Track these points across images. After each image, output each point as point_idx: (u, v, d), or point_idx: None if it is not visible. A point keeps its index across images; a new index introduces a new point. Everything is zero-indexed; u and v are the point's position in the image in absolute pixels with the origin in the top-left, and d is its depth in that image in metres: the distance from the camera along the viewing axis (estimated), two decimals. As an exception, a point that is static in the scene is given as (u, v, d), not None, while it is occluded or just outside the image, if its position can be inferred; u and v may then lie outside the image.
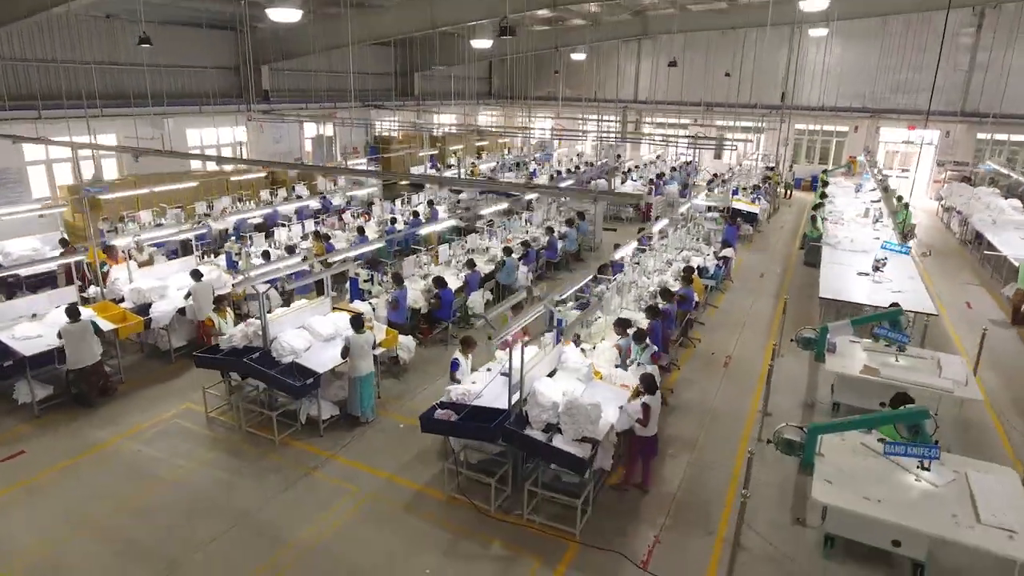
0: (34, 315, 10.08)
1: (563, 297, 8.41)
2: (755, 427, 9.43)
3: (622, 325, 9.26)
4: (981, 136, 27.39)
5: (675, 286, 11.97)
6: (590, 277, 9.31)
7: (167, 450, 8.67)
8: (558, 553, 6.91)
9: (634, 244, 11.14)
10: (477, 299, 12.66)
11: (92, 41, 17.60)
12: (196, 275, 11.04)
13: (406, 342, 10.71)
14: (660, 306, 10.38)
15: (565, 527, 7.19)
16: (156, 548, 6.89)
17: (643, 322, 9.84)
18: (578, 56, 29.33)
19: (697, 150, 29.56)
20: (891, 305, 10.32)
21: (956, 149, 27.60)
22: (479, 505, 7.56)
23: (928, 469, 6.61)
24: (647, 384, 7.62)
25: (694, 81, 30.37)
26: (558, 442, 7.12)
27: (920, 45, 26.66)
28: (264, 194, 18.41)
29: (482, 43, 20.81)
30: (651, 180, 23.59)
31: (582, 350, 9.16)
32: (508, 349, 7.21)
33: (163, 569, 6.59)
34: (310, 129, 25.07)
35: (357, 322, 8.99)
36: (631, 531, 7.29)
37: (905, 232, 11.85)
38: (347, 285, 12.00)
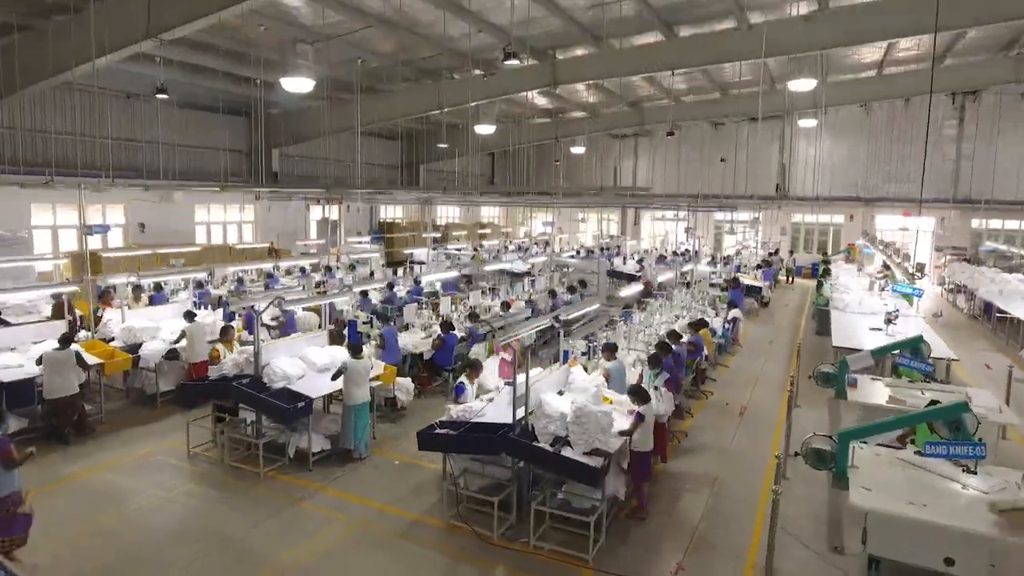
0: (13, 349, 9.66)
1: (570, 317, 8.08)
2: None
3: (610, 350, 8.88)
4: (976, 225, 27.85)
5: (685, 334, 11.63)
6: (596, 305, 8.99)
7: (143, 481, 8.01)
8: (569, 579, 6.18)
9: (639, 287, 10.90)
10: (480, 351, 12.25)
11: (111, 117, 18.28)
12: (190, 316, 10.72)
13: (404, 383, 10.23)
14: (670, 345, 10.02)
15: (576, 552, 6.48)
16: (124, 569, 6.17)
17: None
18: (577, 150, 30.43)
19: (695, 239, 30.03)
20: (910, 341, 9.92)
21: (953, 236, 27.96)
22: (481, 532, 6.86)
23: (975, 472, 6.02)
24: (638, 394, 7.18)
25: (690, 176, 31.35)
26: (568, 454, 6.57)
27: (906, 137, 27.73)
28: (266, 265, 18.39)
29: (485, 128, 21.49)
30: (639, 260, 23.69)
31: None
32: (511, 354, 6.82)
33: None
34: (316, 213, 25.63)
35: (355, 348, 8.60)
36: (650, 559, 6.56)
37: (914, 275, 11.65)
38: (346, 330, 11.63)
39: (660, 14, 14.97)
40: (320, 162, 25.58)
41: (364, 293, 14.56)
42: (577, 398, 7.23)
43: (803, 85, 15.88)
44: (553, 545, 6.61)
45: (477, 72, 18.89)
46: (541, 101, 25.51)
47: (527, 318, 13.96)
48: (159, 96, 13.24)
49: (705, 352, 12.03)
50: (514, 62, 11.46)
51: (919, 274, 12.42)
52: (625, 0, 13.97)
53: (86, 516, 7.13)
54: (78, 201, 12.09)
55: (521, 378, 7.00)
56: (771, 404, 11.52)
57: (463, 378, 8.28)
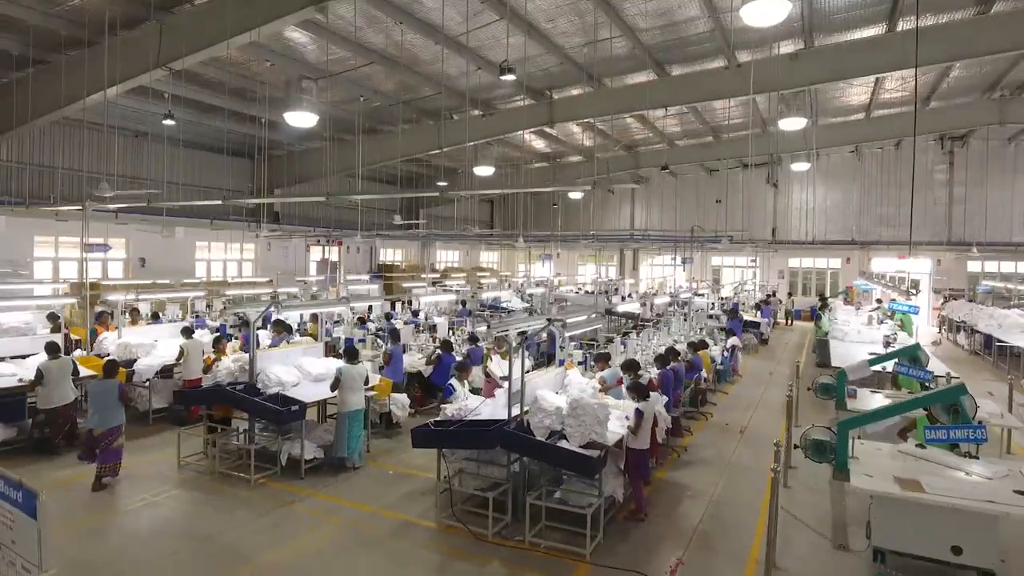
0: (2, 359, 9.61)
1: (567, 319, 8.07)
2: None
3: (604, 359, 8.83)
4: (972, 268, 28.07)
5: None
6: (592, 314, 8.99)
7: (130, 487, 7.85)
8: (565, 572, 5.98)
9: (637, 305, 10.92)
10: (478, 373, 12.15)
11: (117, 155, 18.64)
12: (187, 332, 10.69)
13: (400, 399, 10.14)
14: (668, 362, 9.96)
15: (573, 548, 6.30)
16: (102, 566, 5.99)
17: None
18: (575, 195, 30.93)
19: (695, 284, 30.21)
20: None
21: (949, 278, 28.15)
22: (475, 530, 6.67)
23: (976, 457, 5.91)
24: (638, 390, 7.12)
25: (687, 223, 31.75)
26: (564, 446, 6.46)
27: (898, 182, 28.25)
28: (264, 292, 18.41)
29: (484, 170, 21.85)
30: (641, 298, 23.74)
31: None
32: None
33: (106, 578, 5.70)
34: (315, 253, 25.88)
35: (352, 352, 8.56)
36: (649, 556, 6.35)
37: (908, 292, 11.68)
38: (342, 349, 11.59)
39: (652, 52, 15.48)
40: (321, 205, 26.01)
41: (362, 320, 14.58)
42: (573, 392, 7.17)
43: (793, 124, 16.27)
44: (550, 542, 6.44)
45: (476, 112, 19.39)
46: (539, 144, 26.06)
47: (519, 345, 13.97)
48: (166, 122, 13.54)
49: (704, 374, 11.96)
50: (510, 76, 11.82)
51: (914, 291, 12.46)
52: (617, 38, 14.49)
53: (71, 517, 6.94)
54: (82, 220, 12.21)
55: (516, 375, 6.97)
56: (772, 425, 11.35)
57: (452, 380, 8.22)
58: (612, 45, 14.71)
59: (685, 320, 16.15)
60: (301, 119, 13.74)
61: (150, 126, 18.61)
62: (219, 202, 13.88)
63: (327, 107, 17.29)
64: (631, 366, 8.33)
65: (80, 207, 12.83)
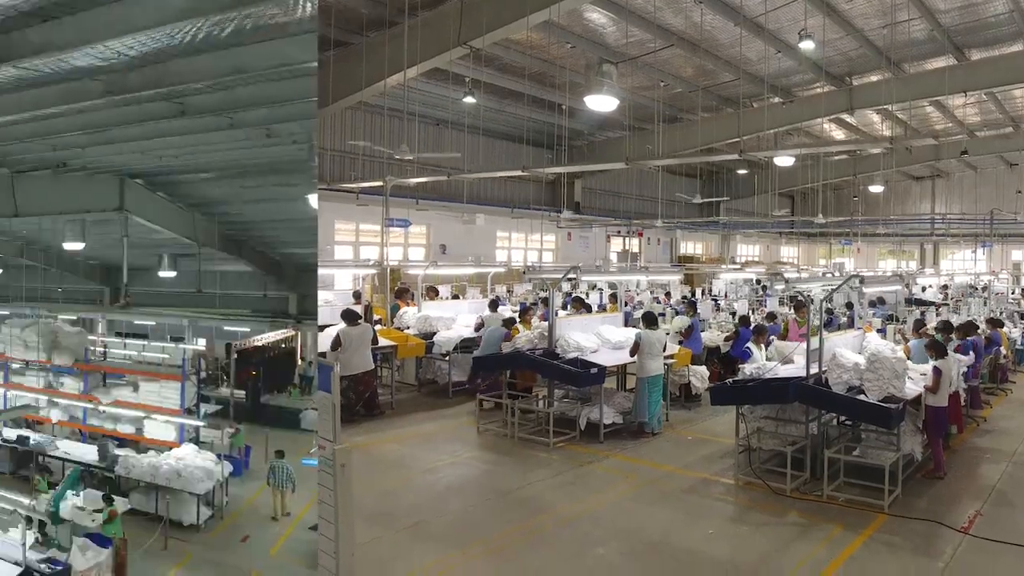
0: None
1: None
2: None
3: (920, 326, 9.93)
4: None
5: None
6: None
7: (427, 451, 9.29)
8: (863, 522, 6.89)
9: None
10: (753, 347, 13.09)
11: (419, 143, 18.76)
12: (494, 306, 12.53)
13: (700, 371, 11.58)
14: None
15: (871, 500, 7.19)
16: (402, 516, 7.04)
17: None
18: (875, 188, 31.63)
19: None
20: None
21: None
22: (773, 486, 7.61)
23: None
24: (936, 349, 7.95)
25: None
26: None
27: None
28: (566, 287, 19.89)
29: (784, 161, 22.38)
30: (944, 287, 23.18)
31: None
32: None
33: (405, 526, 6.81)
34: (616, 244, 28.85)
35: (650, 318, 9.99)
36: (947, 509, 7.19)
37: None
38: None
39: (950, 35, 15.57)
40: (622, 198, 28.71)
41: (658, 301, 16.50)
42: (871, 347, 8.06)
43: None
44: (848, 495, 7.37)
45: (775, 99, 20.11)
46: (838, 135, 26.27)
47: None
48: (466, 99, 15.20)
49: (1002, 350, 12.90)
50: (808, 43, 12.82)
51: None
52: (915, 19, 14.79)
53: (368, 478, 7.61)
54: (383, 202, 15.12)
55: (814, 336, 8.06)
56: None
57: (750, 344, 9.54)
58: (910, 28, 14.96)
59: (985, 304, 16.77)
60: (602, 102, 14.83)
61: (450, 113, 20.01)
62: (519, 172, 16.12)
63: (626, 93, 18.12)
64: (945, 327, 9.36)
65: (381, 183, 15.47)
